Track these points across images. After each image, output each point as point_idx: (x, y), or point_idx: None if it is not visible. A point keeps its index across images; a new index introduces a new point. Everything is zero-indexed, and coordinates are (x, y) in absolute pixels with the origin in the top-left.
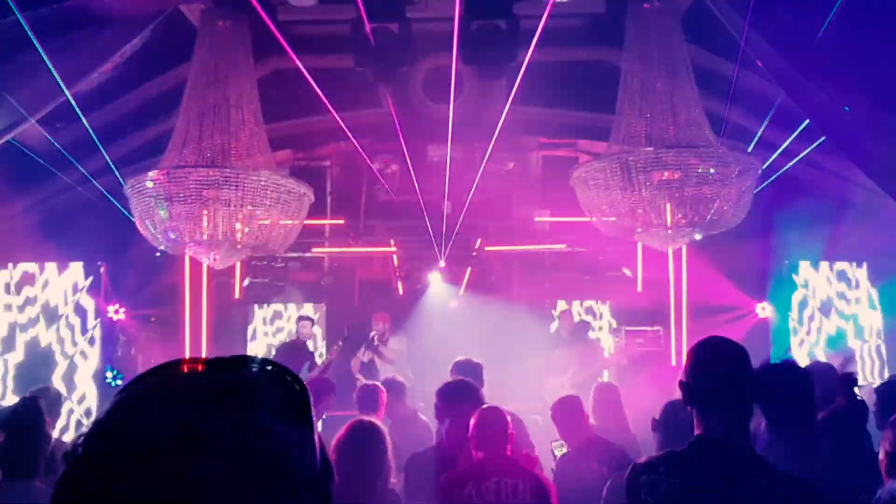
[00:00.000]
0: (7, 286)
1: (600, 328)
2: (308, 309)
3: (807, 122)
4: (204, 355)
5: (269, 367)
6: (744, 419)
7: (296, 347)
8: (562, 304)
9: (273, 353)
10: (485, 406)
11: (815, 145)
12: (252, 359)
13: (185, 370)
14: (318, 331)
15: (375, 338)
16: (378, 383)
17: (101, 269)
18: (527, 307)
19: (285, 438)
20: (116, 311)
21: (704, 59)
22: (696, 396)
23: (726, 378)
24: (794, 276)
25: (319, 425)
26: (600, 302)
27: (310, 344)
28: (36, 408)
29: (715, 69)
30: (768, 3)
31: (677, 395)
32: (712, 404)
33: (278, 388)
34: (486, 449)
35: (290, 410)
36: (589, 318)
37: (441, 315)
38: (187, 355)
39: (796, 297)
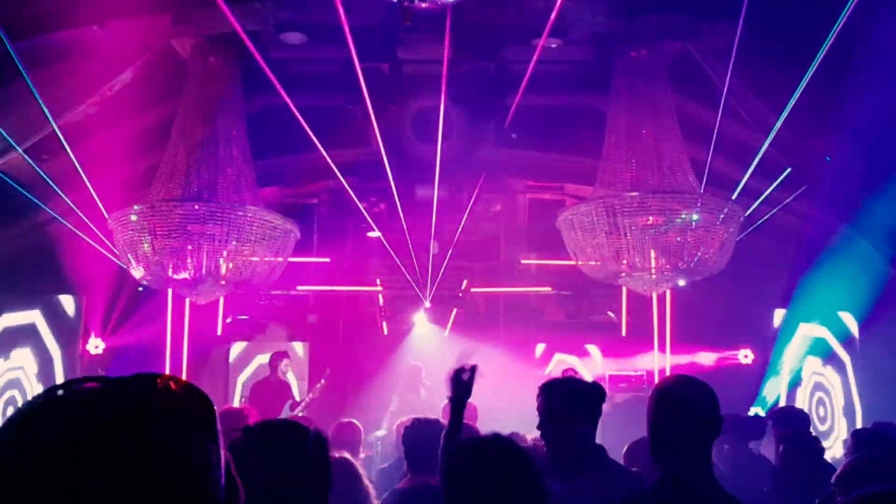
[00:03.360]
0: None
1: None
2: (288, 346)
3: (788, 170)
4: None
5: (170, 384)
6: (705, 456)
7: (272, 386)
8: (558, 356)
9: (246, 393)
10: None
11: (796, 193)
12: (151, 376)
13: (82, 388)
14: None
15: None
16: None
17: (82, 303)
18: (511, 350)
19: (183, 457)
20: (96, 347)
21: (689, 107)
22: (658, 435)
23: (685, 416)
24: (777, 322)
25: None
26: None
27: (293, 382)
28: None
29: (700, 117)
30: (751, 55)
31: None
32: (673, 442)
33: (177, 405)
34: None
35: (191, 427)
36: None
37: (425, 356)
38: None
39: (780, 344)
